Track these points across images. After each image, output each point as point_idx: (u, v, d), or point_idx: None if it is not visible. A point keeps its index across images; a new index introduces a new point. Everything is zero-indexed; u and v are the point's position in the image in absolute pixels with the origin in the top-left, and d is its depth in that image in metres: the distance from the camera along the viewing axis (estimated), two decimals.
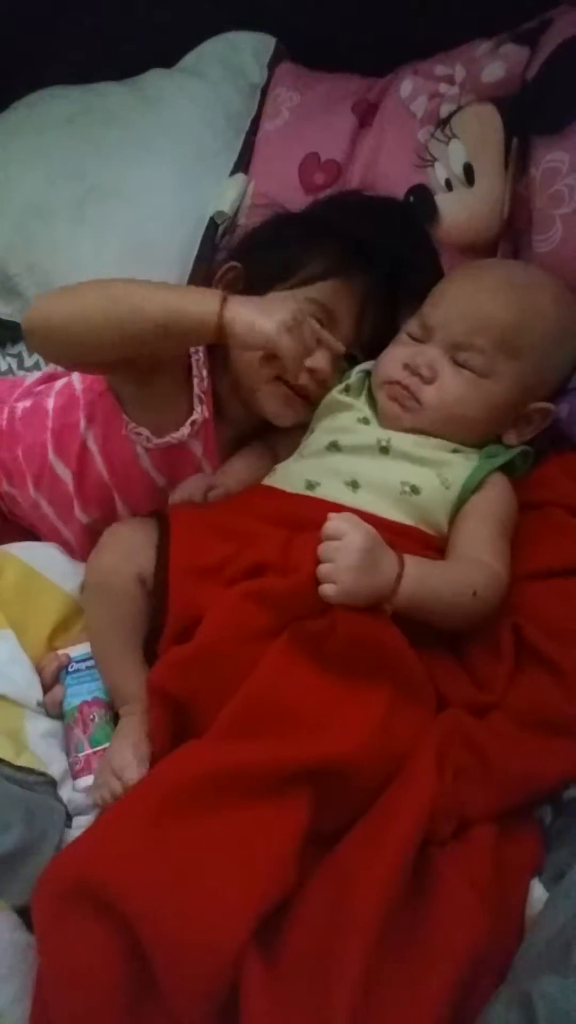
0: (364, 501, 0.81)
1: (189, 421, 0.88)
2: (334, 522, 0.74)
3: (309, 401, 0.90)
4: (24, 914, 0.66)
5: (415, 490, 0.82)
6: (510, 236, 0.99)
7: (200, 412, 0.88)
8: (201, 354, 0.89)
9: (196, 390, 0.89)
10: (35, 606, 0.86)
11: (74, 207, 1.18)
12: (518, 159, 0.99)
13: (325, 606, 0.73)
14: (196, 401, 0.89)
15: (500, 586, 0.77)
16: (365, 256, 0.88)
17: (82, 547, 0.95)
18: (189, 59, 1.31)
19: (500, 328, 0.83)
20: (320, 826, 0.66)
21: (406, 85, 1.11)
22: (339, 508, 0.79)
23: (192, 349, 0.89)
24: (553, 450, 0.89)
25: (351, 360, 0.92)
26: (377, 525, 0.76)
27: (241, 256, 0.95)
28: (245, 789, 0.64)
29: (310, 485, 0.84)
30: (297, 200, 1.10)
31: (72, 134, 1.23)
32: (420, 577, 0.74)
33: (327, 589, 0.72)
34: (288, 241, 0.92)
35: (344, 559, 0.71)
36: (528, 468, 0.88)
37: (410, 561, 0.74)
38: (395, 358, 0.87)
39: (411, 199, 1.03)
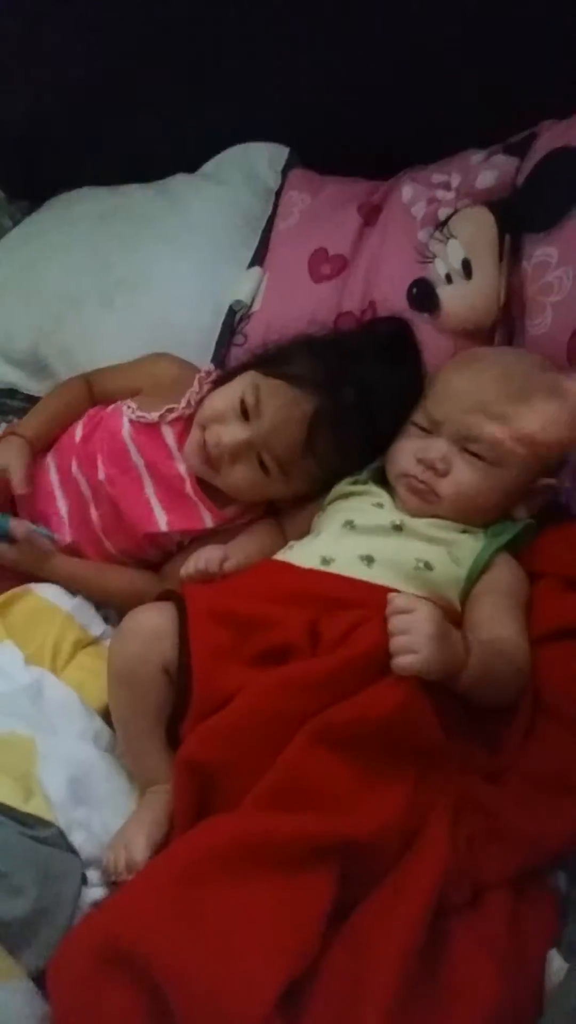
0: (379, 576, 0.79)
1: (166, 407, 0.94)
2: (402, 597, 0.72)
3: (214, 467, 0.90)
4: (38, 981, 0.60)
5: (428, 566, 0.80)
6: (505, 322, 1.00)
7: (180, 408, 0.94)
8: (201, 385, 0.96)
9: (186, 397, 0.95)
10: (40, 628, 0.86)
11: (102, 295, 1.19)
12: (511, 254, 1.00)
13: (362, 688, 0.69)
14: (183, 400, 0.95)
15: (528, 662, 0.76)
16: (329, 384, 0.87)
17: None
18: (210, 166, 1.34)
19: (505, 421, 0.82)
20: (342, 897, 0.62)
21: (407, 190, 1.13)
22: (356, 584, 0.78)
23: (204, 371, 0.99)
24: (550, 520, 0.88)
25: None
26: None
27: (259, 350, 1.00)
28: (273, 860, 0.61)
29: (325, 560, 0.82)
30: (307, 289, 1.12)
31: (102, 229, 1.25)
32: (481, 655, 0.72)
33: (407, 660, 0.68)
34: (298, 344, 0.94)
35: (423, 629, 0.69)
36: (532, 538, 0.87)
37: (471, 646, 0.72)
38: (407, 451, 0.86)
39: (414, 291, 1.04)
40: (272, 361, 0.91)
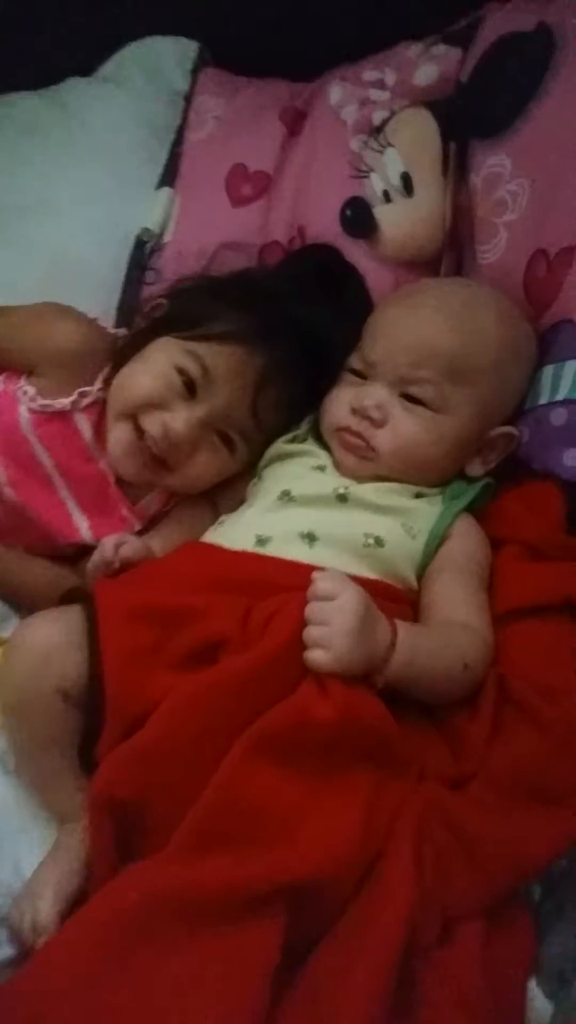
0: (323, 556, 0.66)
1: (79, 391, 0.73)
2: (324, 581, 0.59)
3: (165, 466, 0.72)
4: None
5: (379, 542, 0.67)
6: (452, 248, 0.85)
7: (95, 390, 0.74)
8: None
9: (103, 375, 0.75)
10: None
11: None
12: (457, 166, 0.84)
13: (296, 684, 0.57)
14: (99, 379, 0.74)
15: (488, 653, 0.64)
16: (272, 333, 0.71)
17: None
18: (108, 67, 1.11)
19: (446, 356, 0.68)
20: (292, 942, 0.51)
21: (335, 92, 0.94)
22: (295, 567, 0.64)
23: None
24: (510, 479, 0.75)
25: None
26: None
27: (169, 296, 0.80)
28: (208, 914, 0.50)
29: (260, 541, 0.67)
30: (225, 214, 0.94)
31: None
32: (413, 646, 0.59)
33: (318, 657, 0.57)
34: (209, 294, 0.76)
35: (340, 622, 0.57)
36: (490, 498, 0.74)
37: (402, 628, 0.60)
38: (341, 401, 0.71)
39: (348, 213, 0.87)
40: (190, 320, 0.73)
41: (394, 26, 0.95)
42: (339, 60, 0.99)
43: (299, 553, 0.67)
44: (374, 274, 0.83)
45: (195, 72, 1.07)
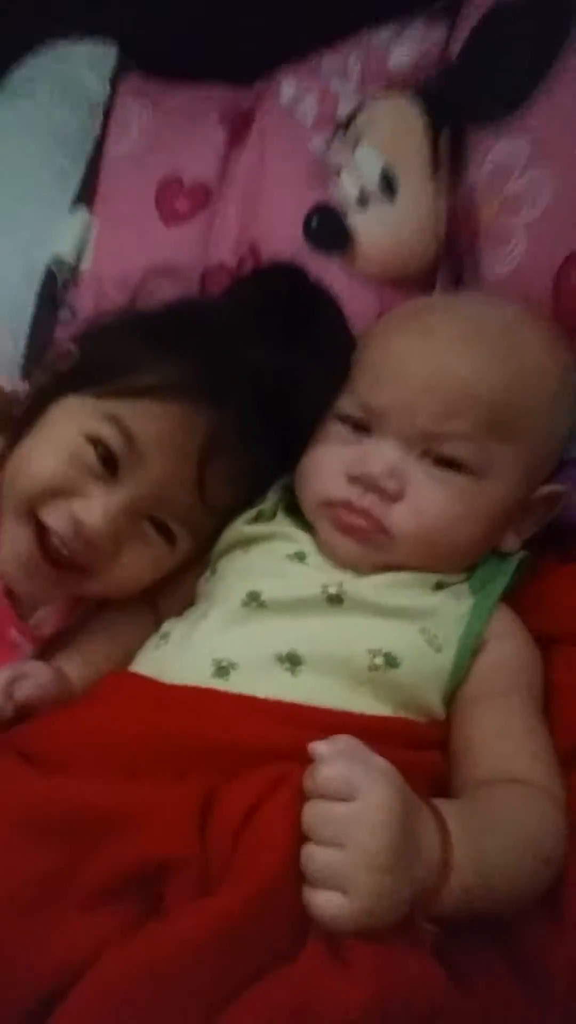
0: (312, 689, 0.44)
1: None
2: (333, 766, 0.36)
3: (80, 571, 0.51)
4: None
5: (391, 661, 0.45)
6: (449, 261, 0.65)
7: None
8: None
9: None
10: None
11: None
12: (451, 159, 0.65)
13: (295, 945, 0.34)
14: None
15: (566, 824, 0.41)
16: (220, 384, 0.51)
17: None
18: (12, 78, 0.92)
19: (487, 402, 0.48)
20: None
21: (286, 89, 0.75)
22: (276, 710, 0.41)
23: None
24: (551, 549, 0.54)
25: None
26: (340, 724, 0.39)
27: (81, 340, 0.59)
28: None
29: (221, 669, 0.45)
30: (156, 235, 0.73)
31: None
32: (477, 858, 0.37)
33: (330, 907, 0.34)
34: (135, 335, 0.56)
35: (363, 845, 0.34)
36: (526, 576, 0.52)
37: (457, 829, 0.37)
38: (332, 465, 0.50)
39: (314, 223, 0.67)
40: (108, 370, 0.52)
41: (350, 18, 0.78)
42: (286, 61, 0.81)
43: (278, 686, 0.44)
44: (352, 296, 0.62)
45: (114, 80, 0.88)
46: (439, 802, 0.39)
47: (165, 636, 0.50)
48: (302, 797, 0.37)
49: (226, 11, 0.85)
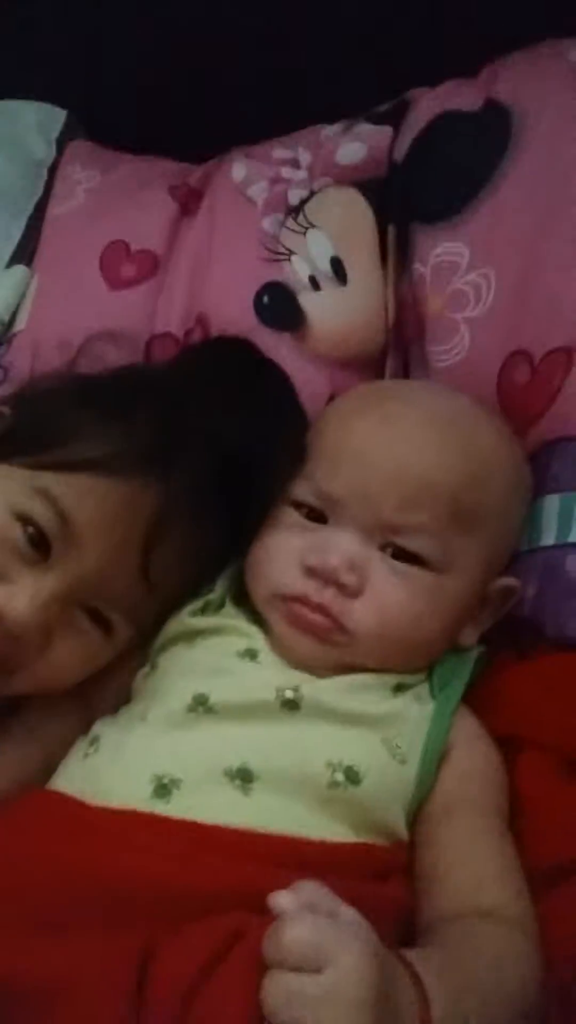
0: (265, 811, 0.40)
1: None
2: (298, 928, 0.31)
3: (1, 668, 0.45)
4: None
5: (352, 777, 0.41)
6: (397, 348, 0.66)
7: None
8: None
9: None
10: None
11: None
12: (397, 252, 0.67)
13: None
14: None
15: (539, 954, 0.39)
16: (168, 454, 0.48)
17: None
18: None
19: (448, 493, 0.47)
20: None
21: (238, 169, 0.76)
22: (222, 838, 0.37)
23: None
24: (510, 645, 0.53)
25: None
26: (299, 855, 0.35)
27: (14, 403, 0.54)
28: None
29: (162, 787, 0.40)
30: (100, 298, 0.71)
31: None
32: (453, 1004, 0.34)
33: None
34: (73, 400, 0.52)
35: None
36: (479, 673, 0.51)
37: (435, 991, 0.34)
38: (286, 554, 0.47)
39: (265, 300, 0.67)
40: (41, 439, 0.48)
41: (298, 110, 0.81)
42: (235, 143, 0.83)
43: (228, 808, 0.40)
44: (303, 374, 0.61)
45: (61, 143, 0.87)
46: (413, 957, 0.35)
47: (95, 741, 0.45)
48: (261, 962, 0.32)
49: (181, 89, 0.86)
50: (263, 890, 0.34)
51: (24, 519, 0.45)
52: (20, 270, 0.76)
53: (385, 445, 0.48)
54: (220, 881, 0.36)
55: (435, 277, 0.64)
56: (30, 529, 0.45)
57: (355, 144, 0.72)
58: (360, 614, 0.46)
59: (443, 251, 0.64)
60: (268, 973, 0.32)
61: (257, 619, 0.49)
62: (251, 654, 0.47)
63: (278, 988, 0.31)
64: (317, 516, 0.49)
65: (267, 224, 0.71)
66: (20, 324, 0.72)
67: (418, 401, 0.54)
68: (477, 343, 0.61)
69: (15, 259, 0.77)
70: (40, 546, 0.45)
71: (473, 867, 0.41)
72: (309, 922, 0.32)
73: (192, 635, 0.48)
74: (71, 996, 0.33)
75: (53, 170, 0.84)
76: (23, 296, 0.74)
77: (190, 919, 0.34)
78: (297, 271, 0.67)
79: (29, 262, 0.77)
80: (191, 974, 0.32)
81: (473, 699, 0.49)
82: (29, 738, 0.47)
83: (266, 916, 0.33)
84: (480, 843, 0.42)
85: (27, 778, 0.44)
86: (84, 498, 0.45)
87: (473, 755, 0.46)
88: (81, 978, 0.34)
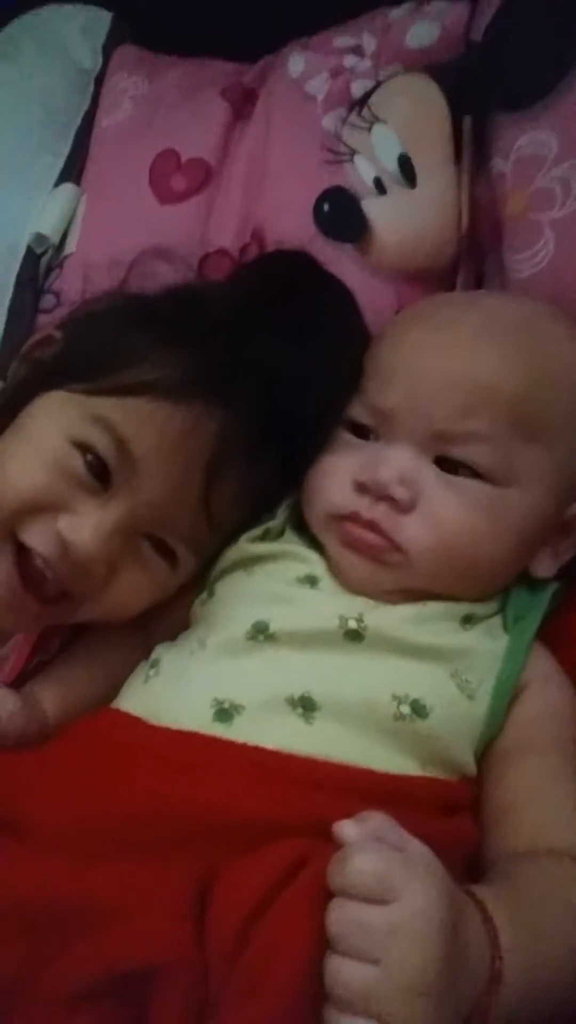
0: (328, 740, 0.38)
1: None
2: (366, 858, 0.30)
3: (66, 599, 0.44)
4: None
5: (419, 710, 0.39)
6: (471, 257, 0.60)
7: None
8: None
9: None
10: None
11: None
12: (473, 147, 0.60)
13: None
14: None
15: None
16: (229, 381, 0.45)
17: None
18: None
19: (509, 400, 0.42)
20: None
21: (295, 62, 0.69)
22: (284, 764, 0.35)
23: None
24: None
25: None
26: (364, 786, 0.34)
27: (65, 327, 0.52)
28: None
29: (223, 712, 0.39)
30: (151, 215, 0.67)
31: None
32: (527, 964, 0.32)
33: None
34: (128, 323, 0.49)
35: (401, 962, 0.28)
36: (557, 609, 0.47)
37: (505, 928, 0.32)
38: (338, 474, 0.44)
39: (326, 208, 0.61)
40: (97, 363, 0.46)
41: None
42: (292, 37, 0.75)
43: (290, 735, 0.38)
44: (368, 291, 0.56)
45: (107, 50, 0.81)
46: (484, 895, 0.33)
47: (155, 664, 0.44)
48: (325, 890, 0.31)
49: None
50: (327, 818, 0.33)
51: (83, 447, 0.43)
52: (69, 189, 0.72)
53: (438, 351, 0.44)
54: (283, 808, 0.35)
55: (517, 173, 0.56)
56: (89, 457, 0.43)
57: (427, 24, 0.64)
58: (413, 530, 0.43)
59: (527, 143, 0.56)
60: (333, 900, 0.31)
61: (317, 546, 0.47)
62: (311, 580, 0.44)
63: (343, 916, 0.30)
64: (368, 432, 0.46)
65: (328, 122, 0.64)
66: (70, 246, 0.69)
67: (479, 307, 0.49)
68: (563, 248, 0.54)
69: (63, 177, 0.73)
70: (101, 475, 0.43)
71: (545, 807, 0.39)
72: (376, 852, 0.31)
73: (251, 561, 0.46)
74: (127, 917, 0.33)
75: (100, 80, 0.78)
76: (73, 216, 0.70)
77: (252, 845, 0.34)
78: (361, 173, 0.61)
79: (78, 180, 0.73)
80: (254, 898, 0.31)
81: (548, 636, 0.46)
82: (94, 661, 0.47)
83: (331, 844, 0.32)
84: (552, 783, 0.40)
85: (90, 699, 0.44)
86: (143, 424, 0.43)
87: (547, 694, 0.43)
88: (139, 900, 0.33)
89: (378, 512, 0.43)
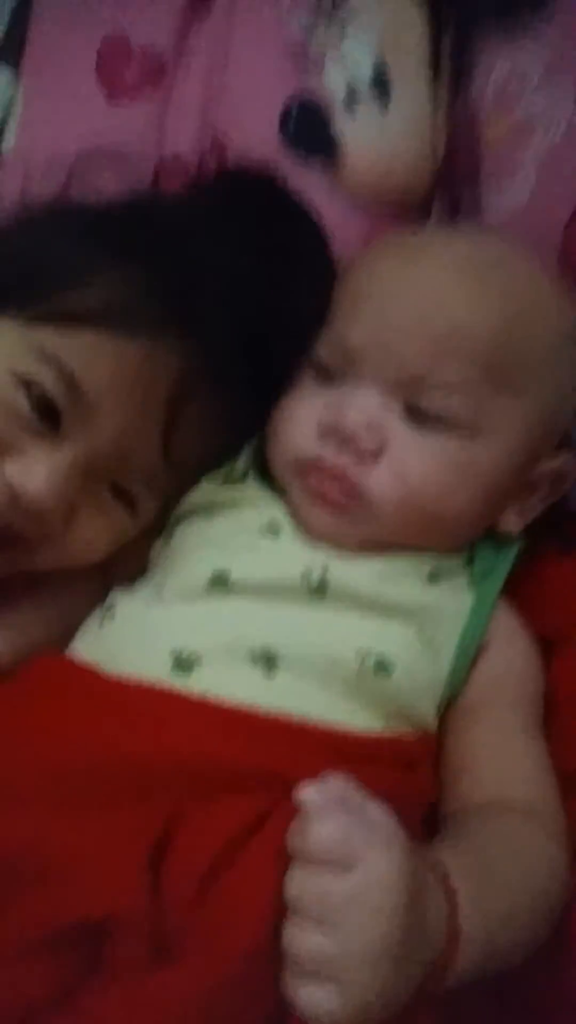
0: (289, 694, 0.37)
1: None
2: (328, 824, 0.29)
3: (20, 546, 0.41)
4: None
5: (383, 666, 0.38)
6: (446, 186, 0.56)
7: None
8: None
9: None
10: None
11: None
12: (452, 64, 0.55)
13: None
14: None
15: (569, 855, 0.37)
16: (190, 304, 0.41)
17: None
18: None
19: (484, 344, 0.41)
20: None
21: None
22: (243, 721, 0.34)
23: None
24: (555, 539, 0.48)
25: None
26: (325, 742, 0.33)
27: (2, 237, 0.46)
28: None
29: (181, 663, 0.37)
30: (97, 110, 0.60)
31: None
32: (485, 924, 0.32)
33: (319, 1004, 0.28)
34: (74, 234, 0.43)
35: (360, 929, 0.28)
36: (521, 566, 0.46)
37: (462, 888, 0.32)
38: (303, 417, 0.42)
39: (293, 118, 0.56)
40: (40, 282, 0.41)
41: None
42: None
43: (250, 688, 0.37)
44: (335, 216, 0.52)
45: None
46: (442, 855, 0.34)
47: (110, 609, 0.42)
48: (284, 851, 0.30)
49: None
50: (288, 772, 0.32)
51: (27, 383, 0.39)
52: (4, 73, 0.63)
53: (409, 288, 0.42)
54: (243, 759, 0.34)
55: (498, 96, 0.53)
56: (35, 395, 0.39)
57: None
58: (379, 480, 0.41)
59: (508, 64, 0.52)
60: (292, 865, 0.30)
61: (280, 491, 0.44)
62: (273, 529, 0.43)
63: (303, 883, 0.30)
64: (333, 373, 0.43)
65: (296, 25, 0.58)
66: (8, 141, 0.61)
67: (452, 243, 0.46)
68: (541, 184, 0.51)
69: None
70: (48, 415, 0.39)
71: (503, 762, 0.40)
72: (338, 819, 0.30)
73: (211, 507, 0.44)
74: (81, 867, 0.31)
75: None
76: (9, 108, 0.62)
77: (212, 797, 0.33)
78: (330, 83, 0.56)
79: (16, 64, 0.64)
80: (212, 854, 0.31)
81: (512, 593, 0.45)
82: (48, 604, 0.44)
83: (292, 800, 0.31)
84: (512, 740, 0.40)
85: (48, 643, 0.42)
86: (94, 358, 0.39)
87: (510, 652, 0.43)
88: (93, 850, 0.32)
89: (343, 460, 0.41)
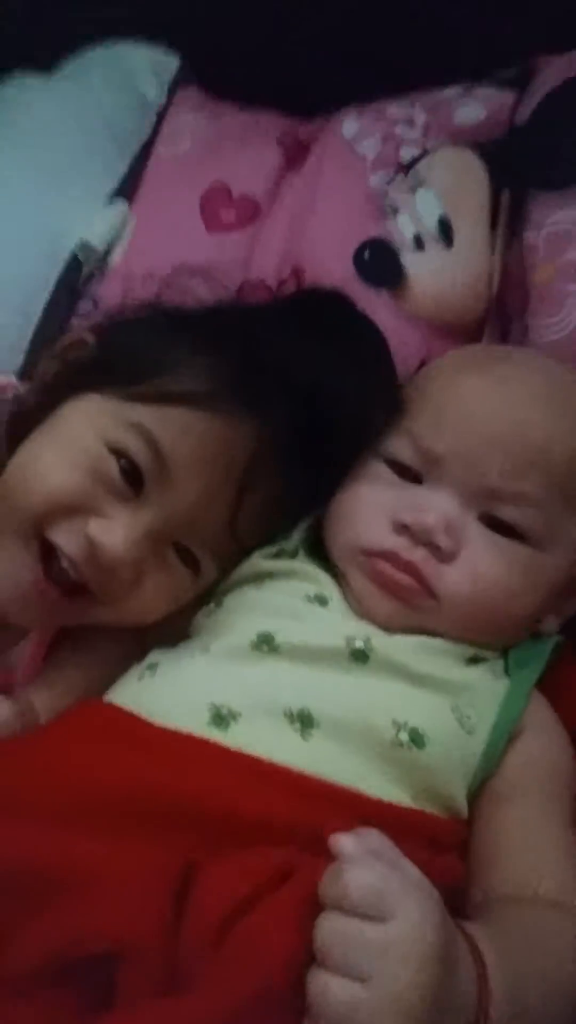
0: (324, 759, 0.37)
1: None
2: (365, 872, 0.29)
3: (89, 599, 0.43)
4: None
5: (416, 739, 0.38)
6: (499, 319, 0.62)
7: None
8: None
9: None
10: None
11: None
12: (509, 217, 0.63)
13: None
14: None
15: None
16: (266, 392, 0.45)
17: None
18: (68, 66, 0.87)
19: (562, 465, 0.43)
20: None
21: (349, 125, 0.73)
22: (277, 777, 0.35)
23: None
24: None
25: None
26: (357, 810, 0.33)
27: (100, 330, 0.51)
28: None
29: (219, 717, 0.38)
30: (197, 239, 0.69)
31: None
32: (515, 998, 0.31)
33: None
34: (165, 330, 0.49)
35: (391, 986, 0.27)
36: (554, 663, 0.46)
37: (492, 960, 0.31)
38: (375, 510, 0.44)
39: (366, 255, 0.63)
40: (134, 369, 0.46)
41: (414, 72, 0.76)
42: (342, 103, 0.79)
43: (285, 748, 0.37)
44: (397, 334, 0.57)
45: (172, 89, 0.85)
46: (473, 931, 0.33)
47: (152, 667, 0.43)
48: (312, 902, 0.29)
49: (294, 43, 0.83)
50: (317, 831, 0.32)
51: (118, 452, 0.43)
52: (119, 204, 0.74)
53: (499, 407, 0.44)
54: (274, 813, 0.34)
55: (548, 246, 0.59)
56: (124, 462, 0.43)
57: (475, 106, 0.68)
58: (452, 580, 0.42)
59: (559, 219, 0.59)
60: (324, 912, 0.30)
61: (329, 569, 0.46)
62: (320, 600, 0.44)
63: (335, 929, 0.29)
64: (412, 475, 0.46)
65: (375, 180, 0.67)
66: (115, 259, 0.70)
67: (535, 367, 0.49)
68: None
69: (117, 194, 0.75)
70: (134, 481, 0.43)
71: (535, 853, 0.38)
72: (374, 868, 0.30)
73: (262, 577, 0.46)
74: (104, 887, 0.31)
75: (162, 113, 0.82)
76: (120, 231, 0.72)
77: (239, 844, 0.32)
78: (402, 229, 0.63)
79: (130, 199, 0.75)
80: (238, 897, 0.30)
81: (545, 687, 0.45)
82: (89, 664, 0.46)
83: (320, 857, 0.31)
84: (543, 829, 0.39)
85: (88, 693, 0.43)
86: (181, 433, 0.43)
87: (543, 740, 0.42)
88: (117, 872, 0.32)
89: (417, 556, 0.43)
